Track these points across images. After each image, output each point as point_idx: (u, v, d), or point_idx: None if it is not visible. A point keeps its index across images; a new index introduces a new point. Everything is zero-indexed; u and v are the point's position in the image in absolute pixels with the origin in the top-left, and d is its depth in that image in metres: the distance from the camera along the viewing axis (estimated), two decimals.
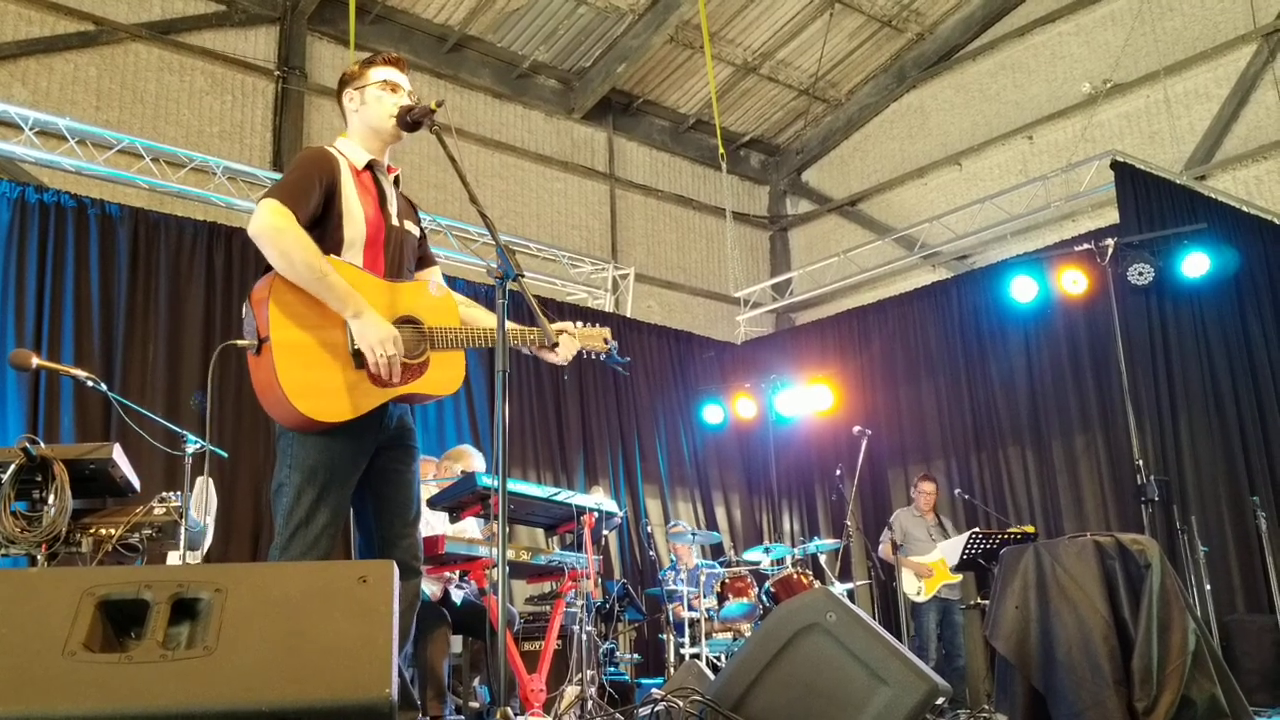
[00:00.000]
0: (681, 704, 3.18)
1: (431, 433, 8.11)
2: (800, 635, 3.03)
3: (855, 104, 11.84)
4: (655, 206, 11.63)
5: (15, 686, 1.65)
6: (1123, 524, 7.80)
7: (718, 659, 7.04)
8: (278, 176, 6.19)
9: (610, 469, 9.52)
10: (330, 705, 1.69)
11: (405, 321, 2.81)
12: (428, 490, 4.83)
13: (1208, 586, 6.55)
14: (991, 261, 9.70)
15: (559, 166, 10.80)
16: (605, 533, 5.62)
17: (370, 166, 2.95)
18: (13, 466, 3.42)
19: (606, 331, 3.18)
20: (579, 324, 3.14)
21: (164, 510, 3.72)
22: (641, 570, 9.15)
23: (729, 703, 3.05)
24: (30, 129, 7.24)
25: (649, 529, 9.22)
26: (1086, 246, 5.95)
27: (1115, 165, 8.22)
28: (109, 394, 4.17)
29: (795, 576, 7.01)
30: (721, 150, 10.31)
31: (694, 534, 8.09)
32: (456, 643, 5.69)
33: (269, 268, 2.70)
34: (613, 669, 7.09)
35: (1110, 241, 5.86)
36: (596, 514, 5.02)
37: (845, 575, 8.25)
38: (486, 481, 4.61)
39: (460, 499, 4.75)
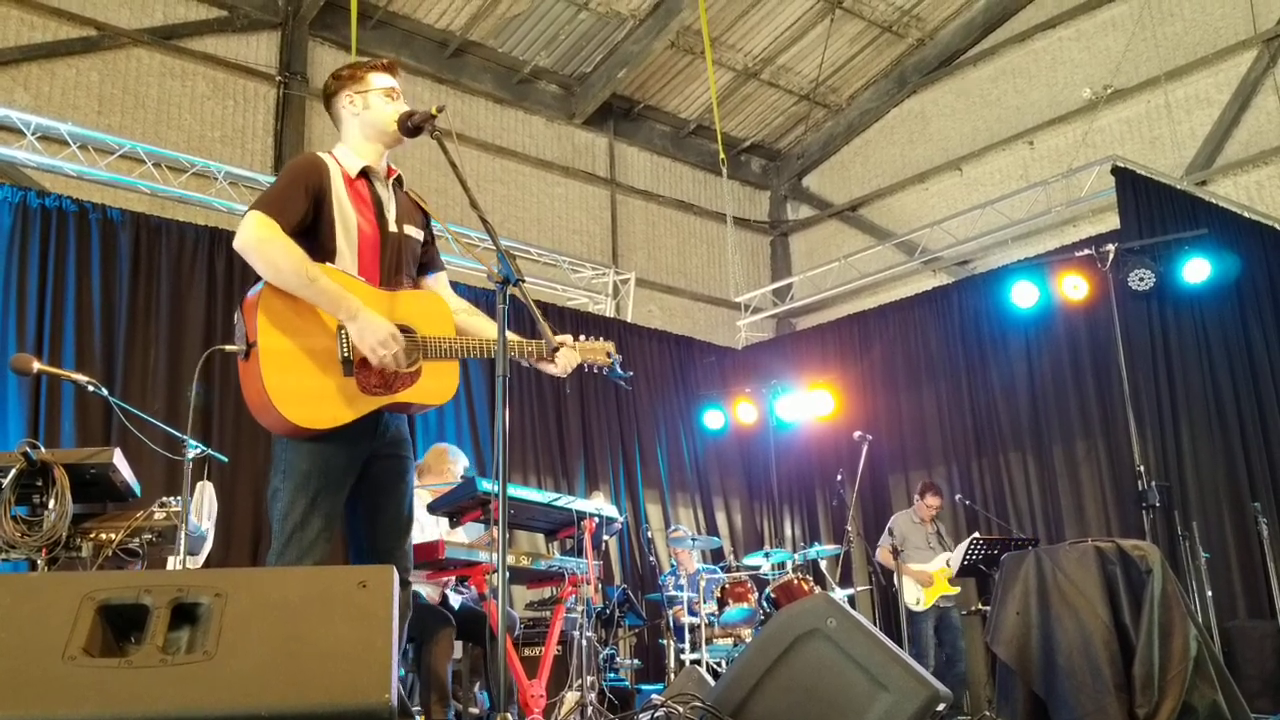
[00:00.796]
0: (682, 710, 3.17)
1: (432, 437, 8.09)
2: (801, 641, 3.03)
3: (856, 109, 11.85)
4: (656, 211, 11.64)
5: (15, 690, 1.65)
6: (1124, 530, 7.78)
7: (718, 664, 7.02)
8: None
9: (611, 474, 9.51)
10: (330, 710, 1.69)
11: (399, 330, 2.78)
12: (419, 495, 4.81)
13: (1209, 592, 6.54)
14: (992, 267, 9.70)
15: (560, 171, 10.81)
16: (605, 538, 5.60)
17: (365, 173, 2.92)
18: (13, 471, 3.41)
19: (610, 345, 3.14)
20: (583, 337, 3.11)
21: (164, 515, 3.71)
22: (642, 575, 9.14)
23: (729, 708, 3.04)
24: (32, 134, 7.25)
25: (649, 534, 9.21)
26: (1087, 252, 5.96)
27: (1116, 170, 8.22)
28: (110, 399, 4.17)
29: (796, 582, 7.01)
30: (722, 155, 10.33)
31: (694, 539, 8.08)
32: (456, 648, 5.67)
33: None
34: (613, 674, 7.09)
35: (1111, 247, 5.88)
36: (597, 519, 5.01)
37: (846, 581, 8.23)
38: (487, 486, 4.61)
39: (460, 504, 4.74)
